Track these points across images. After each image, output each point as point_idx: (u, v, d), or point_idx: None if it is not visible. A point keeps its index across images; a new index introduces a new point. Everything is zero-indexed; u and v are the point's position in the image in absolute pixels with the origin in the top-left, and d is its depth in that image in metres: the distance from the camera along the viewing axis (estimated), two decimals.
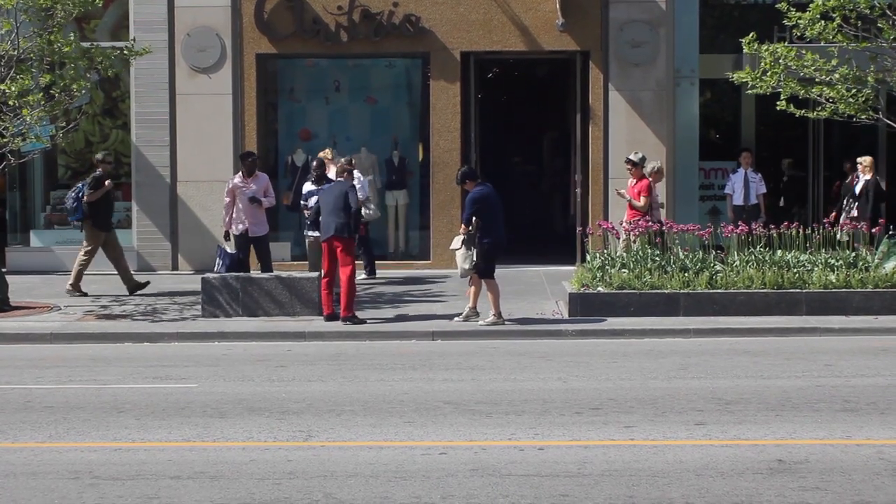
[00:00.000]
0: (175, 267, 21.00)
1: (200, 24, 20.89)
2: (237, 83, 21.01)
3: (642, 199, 18.22)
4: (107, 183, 18.21)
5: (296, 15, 20.99)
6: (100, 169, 18.33)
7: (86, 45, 17.35)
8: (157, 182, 21.04)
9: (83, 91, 17.06)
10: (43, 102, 16.44)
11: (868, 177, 19.19)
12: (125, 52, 17.65)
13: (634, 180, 18.46)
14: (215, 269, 17.24)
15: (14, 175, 21.36)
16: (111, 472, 8.72)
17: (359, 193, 16.87)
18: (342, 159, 17.35)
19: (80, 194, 18.08)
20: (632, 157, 18.55)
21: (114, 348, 14.74)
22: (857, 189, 19.39)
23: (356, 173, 18.45)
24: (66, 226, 21.22)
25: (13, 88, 15.86)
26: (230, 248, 17.50)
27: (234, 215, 17.56)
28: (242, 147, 20.80)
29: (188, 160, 20.95)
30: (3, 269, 18.85)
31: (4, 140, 16.34)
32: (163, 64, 20.71)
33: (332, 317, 15.59)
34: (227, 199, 17.67)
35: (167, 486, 8.35)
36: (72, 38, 16.78)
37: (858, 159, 19.47)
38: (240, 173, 17.83)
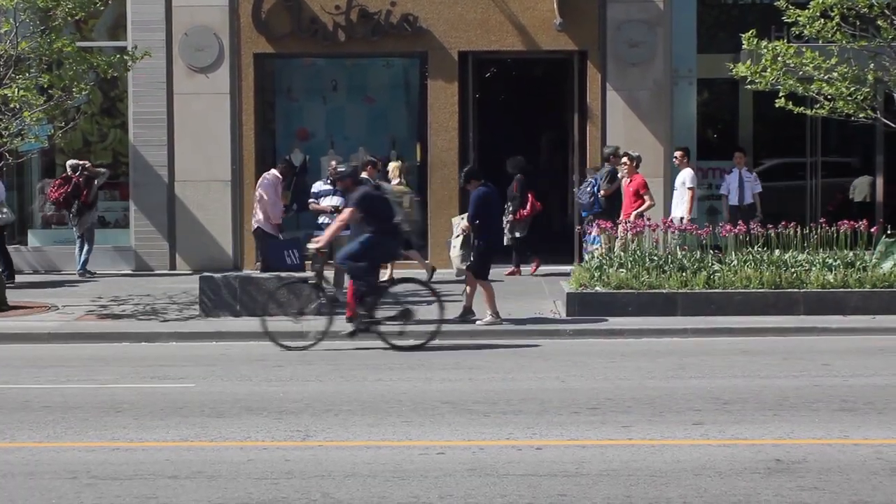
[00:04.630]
0: (173, 267, 21.00)
1: (198, 24, 20.89)
2: (235, 83, 21.01)
3: (646, 199, 18.25)
4: (619, 176, 18.48)
5: (293, 14, 20.98)
6: (607, 164, 18.44)
7: (84, 44, 17.31)
8: (154, 181, 21.03)
9: (83, 93, 17.05)
10: (43, 103, 16.42)
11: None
12: (126, 56, 17.60)
13: (629, 178, 18.47)
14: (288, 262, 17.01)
15: (11, 174, 21.35)
16: (109, 471, 8.72)
17: None
18: (370, 158, 17.21)
19: (596, 189, 18.19)
20: (630, 152, 18.57)
21: (112, 348, 14.73)
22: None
23: None
24: (63, 225, 21.18)
25: (17, 93, 15.80)
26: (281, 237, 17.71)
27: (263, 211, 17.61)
28: (240, 146, 20.82)
29: (186, 160, 20.95)
30: (1, 269, 18.85)
31: (3, 140, 16.32)
32: (160, 63, 20.70)
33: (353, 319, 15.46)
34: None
35: (165, 485, 8.34)
36: (71, 37, 16.77)
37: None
38: (275, 171, 17.96)
